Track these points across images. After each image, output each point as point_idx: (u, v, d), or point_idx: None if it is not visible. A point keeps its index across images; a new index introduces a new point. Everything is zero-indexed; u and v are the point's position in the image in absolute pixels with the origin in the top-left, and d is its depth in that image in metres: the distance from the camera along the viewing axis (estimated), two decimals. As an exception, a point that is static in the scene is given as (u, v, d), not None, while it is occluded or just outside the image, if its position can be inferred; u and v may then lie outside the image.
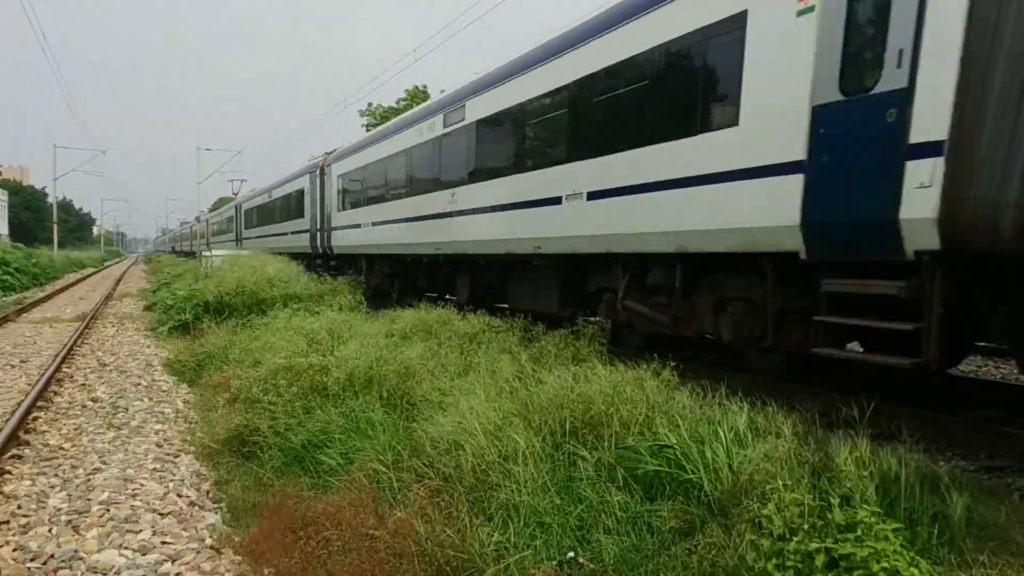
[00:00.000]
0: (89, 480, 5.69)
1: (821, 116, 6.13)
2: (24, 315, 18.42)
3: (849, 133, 5.92)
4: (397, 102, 39.61)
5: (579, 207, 9.49)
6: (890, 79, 5.57)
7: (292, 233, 25.86)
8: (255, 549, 4.31)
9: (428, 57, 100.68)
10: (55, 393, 8.91)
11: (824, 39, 6.10)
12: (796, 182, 6.31)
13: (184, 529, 4.78)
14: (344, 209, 20.45)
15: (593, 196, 9.24)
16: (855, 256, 5.98)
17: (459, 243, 13.05)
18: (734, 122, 7.10)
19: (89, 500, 5.24)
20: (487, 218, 11.95)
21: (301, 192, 24.84)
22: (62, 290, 28.41)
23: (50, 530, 4.69)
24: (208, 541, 4.59)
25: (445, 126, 13.71)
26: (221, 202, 59.55)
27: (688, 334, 8.61)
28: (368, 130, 33.15)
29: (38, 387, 8.57)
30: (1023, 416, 6.29)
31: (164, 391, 9.24)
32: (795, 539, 3.13)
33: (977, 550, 3.36)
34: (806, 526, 3.19)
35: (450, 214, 13.33)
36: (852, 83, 5.90)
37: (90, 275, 43.50)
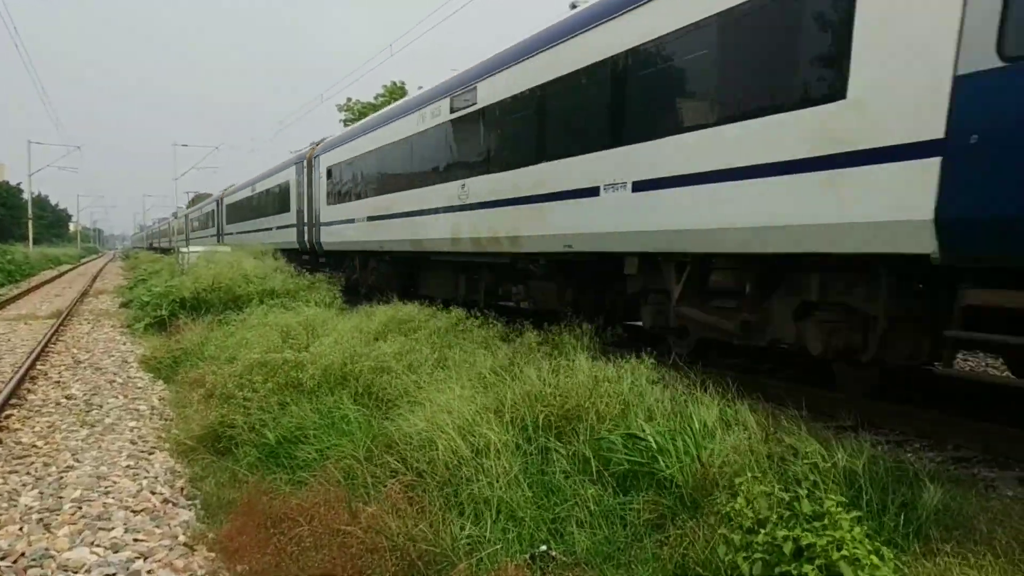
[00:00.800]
0: (62, 478, 5.64)
1: (306, 216, 21.40)
2: (-3, 312, 18.18)
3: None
4: (375, 97, 39.47)
5: (275, 232, 24.35)
6: (314, 210, 20.41)
7: (210, 236, 43.09)
8: (229, 546, 4.29)
9: (409, 49, 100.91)
10: (29, 391, 8.81)
11: (305, 195, 21.53)
12: (292, 232, 22.91)
13: (157, 526, 4.75)
14: (228, 223, 37.00)
15: (281, 229, 23.78)
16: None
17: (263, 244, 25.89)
18: (288, 210, 22.98)
19: (61, 498, 5.20)
20: (270, 232, 25.74)
21: (212, 211, 43.79)
22: (38, 287, 28.05)
23: (21, 528, 4.65)
24: (181, 538, 4.56)
25: (253, 191, 29.42)
26: (199, 198, 63.22)
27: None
28: (345, 125, 36.22)
29: (11, 384, 8.46)
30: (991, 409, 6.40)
31: (139, 388, 9.17)
32: (763, 531, 3.16)
33: (943, 539, 3.41)
34: (775, 517, 3.22)
35: (258, 230, 28.14)
36: (300, 212, 22.00)
37: (66, 272, 42.98)
